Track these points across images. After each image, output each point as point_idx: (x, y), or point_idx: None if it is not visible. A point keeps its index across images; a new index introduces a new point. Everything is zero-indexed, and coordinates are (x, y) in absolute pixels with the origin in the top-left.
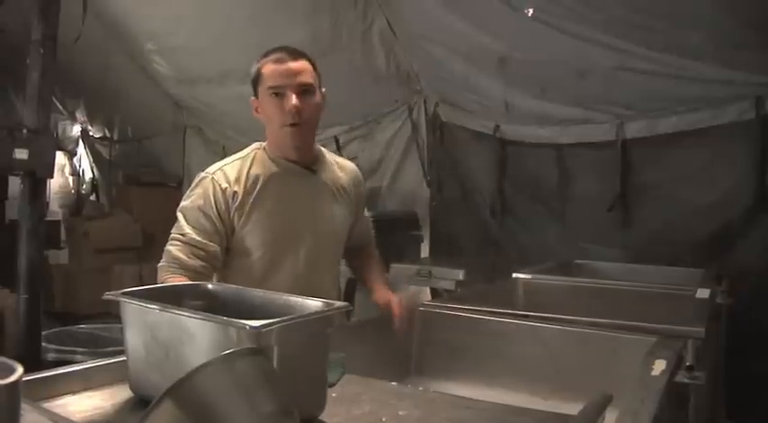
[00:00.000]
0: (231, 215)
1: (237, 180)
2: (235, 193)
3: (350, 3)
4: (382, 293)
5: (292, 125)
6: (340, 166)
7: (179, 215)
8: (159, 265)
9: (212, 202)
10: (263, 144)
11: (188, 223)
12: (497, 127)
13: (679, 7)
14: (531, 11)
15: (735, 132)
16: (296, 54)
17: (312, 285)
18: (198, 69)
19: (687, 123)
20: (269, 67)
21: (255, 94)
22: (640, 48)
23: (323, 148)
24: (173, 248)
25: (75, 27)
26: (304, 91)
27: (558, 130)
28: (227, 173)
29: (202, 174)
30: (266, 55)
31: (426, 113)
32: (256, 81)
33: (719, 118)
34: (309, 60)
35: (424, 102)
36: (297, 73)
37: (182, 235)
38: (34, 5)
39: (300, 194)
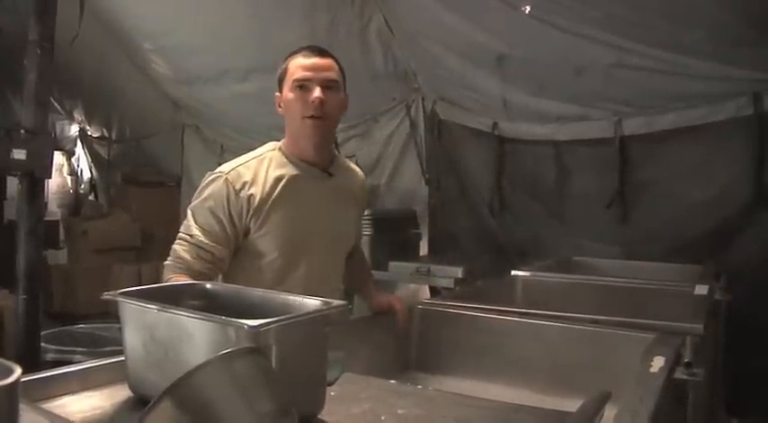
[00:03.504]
0: (245, 218)
1: (254, 182)
2: (251, 195)
3: (347, 1)
4: (379, 299)
5: (313, 117)
6: (352, 173)
7: (188, 213)
8: (165, 263)
9: (224, 203)
10: (279, 144)
11: (196, 223)
12: (495, 124)
13: (677, 4)
14: (528, 8)
15: (733, 129)
16: (324, 52)
17: (324, 287)
18: (195, 69)
19: (685, 120)
20: (296, 62)
21: (280, 91)
22: (638, 45)
23: (338, 153)
24: (179, 248)
25: (72, 27)
26: (329, 86)
27: (556, 128)
28: (242, 174)
29: (216, 172)
30: (292, 53)
31: (424, 111)
32: (282, 77)
33: (717, 114)
34: (336, 61)
35: (422, 99)
36: (323, 68)
37: (189, 235)
38: (31, 6)
39: (318, 198)
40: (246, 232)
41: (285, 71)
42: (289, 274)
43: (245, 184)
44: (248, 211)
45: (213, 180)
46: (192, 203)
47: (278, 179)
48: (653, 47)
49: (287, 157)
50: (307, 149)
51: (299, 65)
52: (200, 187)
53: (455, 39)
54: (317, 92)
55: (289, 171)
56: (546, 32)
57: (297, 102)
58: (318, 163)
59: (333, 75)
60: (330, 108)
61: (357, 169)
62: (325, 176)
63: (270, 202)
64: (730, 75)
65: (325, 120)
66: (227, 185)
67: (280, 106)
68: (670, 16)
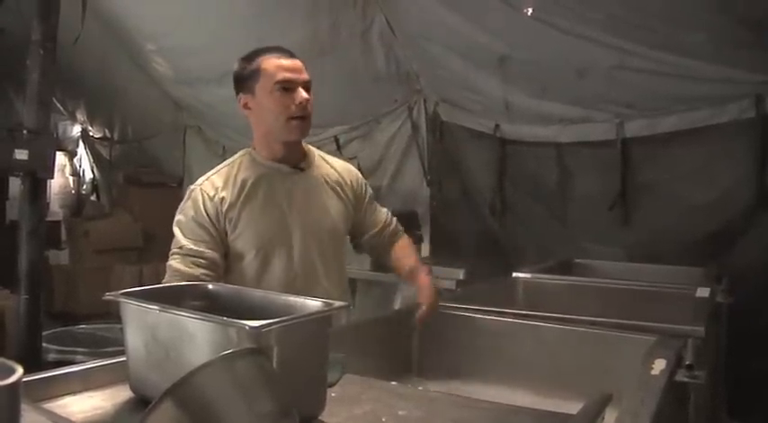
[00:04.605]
0: (222, 221)
1: (225, 186)
2: (222, 198)
3: (349, 2)
4: (416, 275)
5: (300, 118)
6: (330, 163)
7: (175, 230)
8: (163, 281)
9: (203, 210)
10: (249, 149)
11: (184, 236)
12: (497, 126)
13: (679, 6)
14: (530, 10)
15: (735, 131)
16: (292, 53)
17: (309, 283)
18: (197, 69)
19: (687, 122)
20: (273, 63)
21: (246, 91)
22: (640, 47)
23: (312, 147)
24: (173, 262)
25: (74, 28)
26: (308, 88)
27: (558, 129)
28: (213, 181)
29: (192, 186)
30: (259, 53)
31: (426, 113)
32: (252, 77)
33: (720, 117)
34: None
35: (424, 101)
36: (301, 70)
37: (179, 248)
38: (34, 6)
39: (289, 193)
40: (226, 234)
41: (258, 72)
42: (267, 271)
43: (216, 189)
44: (222, 213)
45: (189, 195)
46: (176, 220)
47: (245, 180)
48: (655, 49)
49: (255, 159)
50: (278, 149)
51: (279, 66)
52: (181, 204)
53: (457, 40)
54: (303, 93)
55: (256, 171)
56: (548, 34)
57: (280, 104)
58: (288, 160)
59: (308, 75)
60: (310, 108)
61: (339, 161)
62: (296, 172)
63: (239, 203)
64: (732, 77)
65: (306, 119)
66: (202, 194)
67: (247, 107)
68: (672, 18)
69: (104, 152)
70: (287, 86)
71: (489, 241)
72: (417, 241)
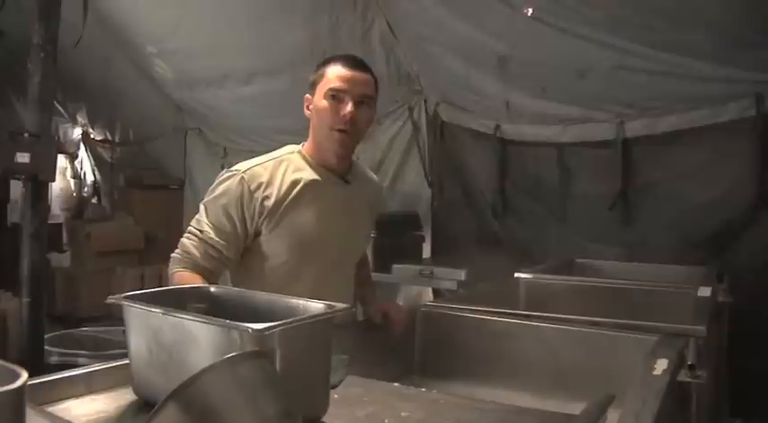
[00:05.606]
0: (258, 220)
1: (270, 183)
2: (266, 197)
3: (349, 4)
4: (377, 305)
5: (341, 131)
6: (369, 180)
7: (201, 208)
8: (172, 255)
9: (237, 203)
10: (298, 147)
11: (208, 220)
12: (498, 126)
13: (679, 6)
14: (530, 10)
15: (735, 130)
16: (364, 66)
17: (331, 293)
18: (198, 72)
19: (687, 122)
20: (335, 70)
21: (311, 93)
22: (640, 47)
23: (357, 160)
24: (188, 242)
25: (75, 31)
26: (362, 102)
27: (558, 130)
28: (258, 174)
29: (232, 170)
30: (331, 59)
31: (427, 114)
32: (317, 80)
33: (720, 116)
34: (374, 76)
35: (425, 102)
36: (360, 82)
37: (200, 231)
38: (35, 9)
39: (334, 205)
40: (257, 234)
41: (321, 76)
42: (297, 278)
43: (260, 184)
44: (261, 213)
45: (228, 177)
46: (206, 199)
47: (295, 182)
48: (655, 49)
49: (306, 161)
50: (329, 157)
51: (338, 74)
52: (215, 183)
53: (457, 41)
54: (349, 106)
55: (307, 175)
56: (548, 35)
57: (328, 111)
58: (337, 170)
59: (368, 90)
60: (359, 124)
61: (374, 176)
62: (342, 184)
63: (284, 205)
64: (732, 76)
65: (351, 135)
66: (243, 184)
67: (308, 108)
68: (672, 18)
69: (105, 155)
70: (336, 95)
71: (490, 242)
72: (419, 242)
